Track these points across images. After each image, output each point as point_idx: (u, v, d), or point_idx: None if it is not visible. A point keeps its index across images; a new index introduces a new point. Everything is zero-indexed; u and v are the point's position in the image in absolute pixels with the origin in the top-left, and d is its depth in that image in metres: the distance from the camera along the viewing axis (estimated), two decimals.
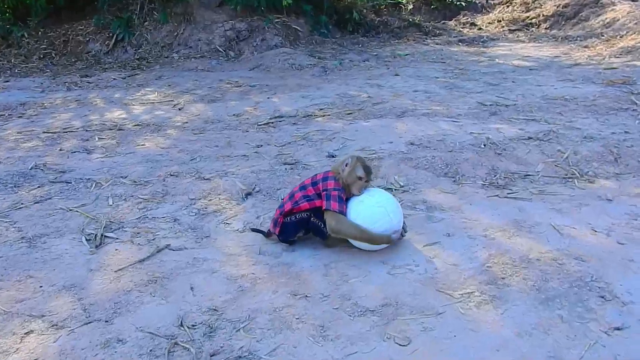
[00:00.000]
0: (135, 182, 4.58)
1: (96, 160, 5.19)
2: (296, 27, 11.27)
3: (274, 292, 3.00)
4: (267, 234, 3.57)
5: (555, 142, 4.79)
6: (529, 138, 4.92)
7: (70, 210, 4.09)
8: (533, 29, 12.00)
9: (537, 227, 3.50)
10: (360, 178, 3.33)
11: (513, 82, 7.48)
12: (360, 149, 5.00)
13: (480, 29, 12.47)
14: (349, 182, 3.33)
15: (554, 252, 3.18)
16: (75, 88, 8.68)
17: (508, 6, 13.18)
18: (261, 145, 5.43)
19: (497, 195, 3.98)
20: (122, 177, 4.70)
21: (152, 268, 3.27)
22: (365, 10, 12.35)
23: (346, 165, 3.36)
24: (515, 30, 11.96)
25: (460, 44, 11.13)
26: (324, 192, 3.31)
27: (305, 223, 3.38)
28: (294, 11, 11.48)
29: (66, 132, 6.16)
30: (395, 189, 4.19)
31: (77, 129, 6.28)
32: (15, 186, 4.56)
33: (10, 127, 6.47)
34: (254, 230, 3.69)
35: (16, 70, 10.31)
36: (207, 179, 4.54)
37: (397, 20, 12.42)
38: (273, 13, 11.11)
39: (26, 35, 12.07)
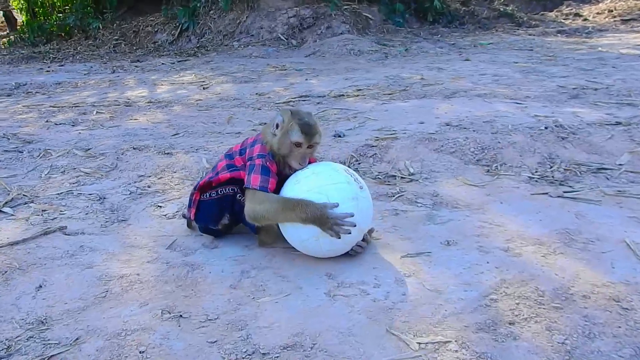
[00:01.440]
0: (89, 154, 3.76)
1: (74, 133, 4.46)
2: (367, 14, 10.16)
3: (143, 304, 1.94)
4: (188, 223, 2.53)
5: None
6: (617, 123, 3.43)
7: None
8: None
9: (600, 243, 2.13)
10: (298, 145, 2.16)
11: (613, 67, 5.82)
12: (378, 129, 3.80)
13: (585, 19, 10.54)
14: (283, 151, 2.19)
15: (617, 286, 1.82)
16: (120, 71, 8.22)
17: None
18: (265, 123, 4.39)
19: (546, 194, 2.62)
20: (82, 149, 3.90)
21: (17, 255, 2.35)
22: None
23: (277, 127, 2.21)
24: (629, 20, 9.90)
25: (558, 34, 9.39)
26: (248, 162, 2.20)
27: (230, 203, 2.28)
28: None
29: (72, 106, 5.55)
30: (400, 177, 2.97)
31: (86, 104, 5.65)
32: None
33: (24, 102, 6.01)
34: (185, 216, 2.66)
35: (77, 57, 10.19)
36: (168, 154, 3.59)
37: (486, 10, 10.87)
38: None
39: (101, 27, 12.11)
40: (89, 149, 3.91)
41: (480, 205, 2.54)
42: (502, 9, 10.96)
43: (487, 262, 2.03)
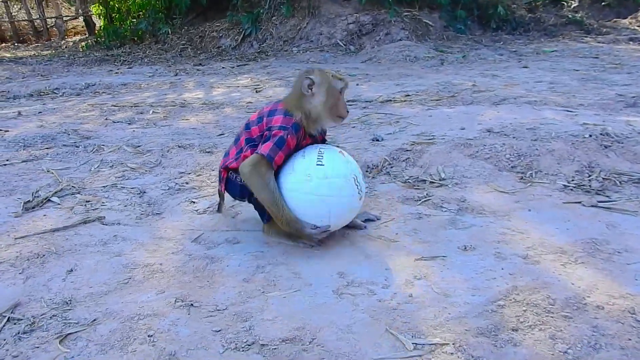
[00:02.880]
0: (138, 151, 3.95)
1: (128, 130, 4.70)
2: (427, 21, 10.05)
3: (160, 292, 2.04)
4: (219, 207, 2.66)
5: None
6: None
7: (48, 171, 3.57)
8: None
9: (627, 254, 2.03)
10: (342, 90, 2.28)
11: None
12: (417, 134, 3.77)
13: None
14: (328, 104, 2.21)
15: (636, 299, 1.73)
16: (182, 74, 8.56)
17: None
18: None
19: (580, 202, 2.51)
20: (132, 145, 4.10)
21: (57, 241, 2.52)
22: (515, 6, 10.61)
23: (310, 87, 2.21)
24: None
25: (630, 42, 8.91)
26: (266, 132, 2.22)
27: (251, 193, 2.33)
28: (427, 4, 10.29)
29: (132, 106, 5.85)
30: (430, 182, 2.93)
31: (145, 104, 5.94)
32: (25, 146, 4.21)
33: (90, 100, 6.38)
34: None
35: (146, 60, 10.69)
36: (209, 152, 3.73)
37: (553, 17, 10.47)
38: (402, 6, 10.05)
39: (170, 32, 12.66)
40: (138, 146, 4.10)
41: (507, 212, 2.47)
42: (570, 16, 10.53)
43: (502, 269, 1.98)
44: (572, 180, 2.73)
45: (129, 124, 4.98)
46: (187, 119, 5.04)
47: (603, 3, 11.40)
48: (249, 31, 11.27)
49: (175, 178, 3.39)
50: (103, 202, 3.02)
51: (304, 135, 2.26)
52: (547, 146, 3.05)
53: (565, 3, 11.33)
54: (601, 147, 2.96)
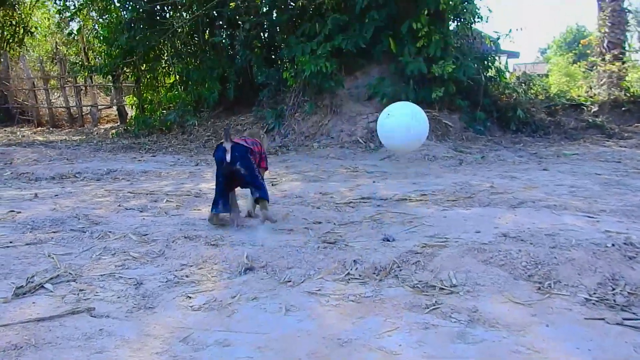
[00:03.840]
0: (144, 240, 3.87)
1: (139, 217, 4.66)
2: (447, 122, 10.19)
3: None
4: None
5: None
6: None
7: (49, 256, 3.49)
8: None
9: None
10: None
11: None
12: (430, 235, 3.63)
13: None
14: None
15: None
16: (203, 165, 8.70)
17: None
18: (320, 222, 4.36)
19: (603, 319, 2.29)
20: (139, 234, 4.03)
21: (39, 332, 2.40)
22: (534, 109, 10.75)
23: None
24: None
25: None
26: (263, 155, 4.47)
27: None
28: (447, 106, 10.49)
29: (148, 194, 5.87)
30: (440, 288, 2.74)
31: (161, 192, 5.96)
32: (32, 228, 4.19)
33: (108, 186, 6.46)
34: None
35: (170, 149, 10.98)
36: (214, 245, 3.62)
37: (573, 120, 10.54)
38: (422, 106, 10.21)
39: (197, 124, 13.12)
40: (145, 235, 4.03)
41: (523, 327, 2.26)
42: (591, 120, 10.59)
43: None
44: (594, 293, 2.52)
45: (141, 211, 4.95)
46: (198, 209, 5.00)
47: (623, 108, 11.49)
48: (272, 126, 11.58)
49: (176, 270, 3.26)
50: (97, 292, 2.90)
51: None
52: (567, 254, 2.87)
53: (585, 107, 11.46)
54: (625, 258, 2.77)
